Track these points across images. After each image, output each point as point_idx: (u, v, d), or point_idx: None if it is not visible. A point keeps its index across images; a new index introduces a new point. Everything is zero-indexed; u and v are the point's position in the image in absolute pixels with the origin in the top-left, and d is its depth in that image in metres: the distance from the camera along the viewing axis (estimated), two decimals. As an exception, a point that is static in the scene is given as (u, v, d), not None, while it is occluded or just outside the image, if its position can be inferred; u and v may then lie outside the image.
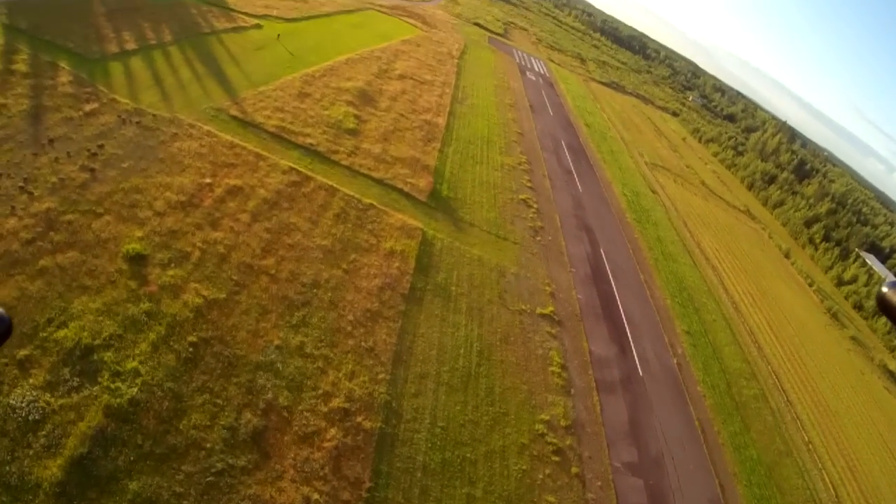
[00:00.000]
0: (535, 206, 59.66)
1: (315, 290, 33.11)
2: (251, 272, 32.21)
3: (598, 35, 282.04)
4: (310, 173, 45.18)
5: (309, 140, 50.25)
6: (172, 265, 30.19)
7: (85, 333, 24.70)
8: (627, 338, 44.44)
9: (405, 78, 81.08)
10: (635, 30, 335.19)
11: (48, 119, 39.59)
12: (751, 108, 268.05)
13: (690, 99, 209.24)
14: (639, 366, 41.86)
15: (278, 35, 77.22)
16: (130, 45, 55.86)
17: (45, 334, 24.29)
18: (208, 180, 38.54)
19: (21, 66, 43.63)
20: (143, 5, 69.79)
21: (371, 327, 32.57)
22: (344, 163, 49.42)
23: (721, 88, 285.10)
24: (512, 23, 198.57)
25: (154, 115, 44.13)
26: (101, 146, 38.30)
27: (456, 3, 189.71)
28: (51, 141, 37.42)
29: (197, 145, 42.29)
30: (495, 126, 79.03)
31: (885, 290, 2.28)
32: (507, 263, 47.14)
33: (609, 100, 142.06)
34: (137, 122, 42.49)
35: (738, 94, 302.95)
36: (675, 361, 44.26)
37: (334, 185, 45.03)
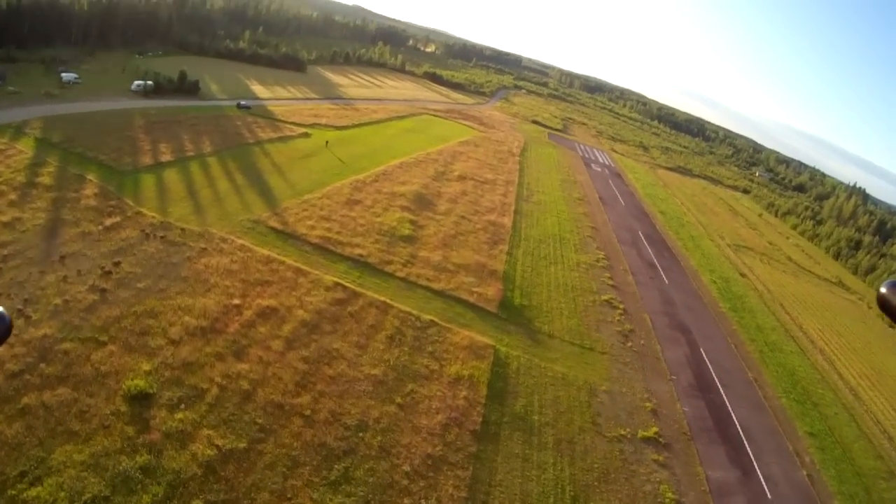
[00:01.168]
0: (620, 306, 55.72)
1: (361, 434, 29.36)
2: (281, 413, 29.23)
3: (655, 123, 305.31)
4: (358, 288, 43.68)
5: (358, 251, 49.68)
6: (182, 406, 27.74)
7: (62, 494, 21.98)
8: (748, 454, 39.16)
9: (465, 179, 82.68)
10: (690, 115, 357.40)
11: (64, 234, 40.99)
12: (818, 175, 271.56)
13: (757, 174, 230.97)
14: (766, 489, 36.14)
15: (327, 142, 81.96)
16: (166, 157, 60.06)
17: (13, 492, 21.90)
18: (236, 301, 37.48)
19: (46, 179, 46.82)
20: (186, 118, 77.01)
21: (434, 479, 27.91)
22: (399, 274, 47.96)
23: (784, 160, 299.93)
24: (570, 118, 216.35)
25: (182, 229, 45.17)
26: (117, 263, 38.73)
27: (511, 104, 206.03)
28: (62, 258, 38.25)
29: (227, 261, 42.20)
30: (566, 222, 78.03)
31: (883, 290, 2.41)
32: (597, 379, 42.20)
33: (678, 185, 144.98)
34: (162, 237, 43.37)
35: (801, 164, 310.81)
36: (804, 474, 38.99)
37: (387, 301, 43.03)
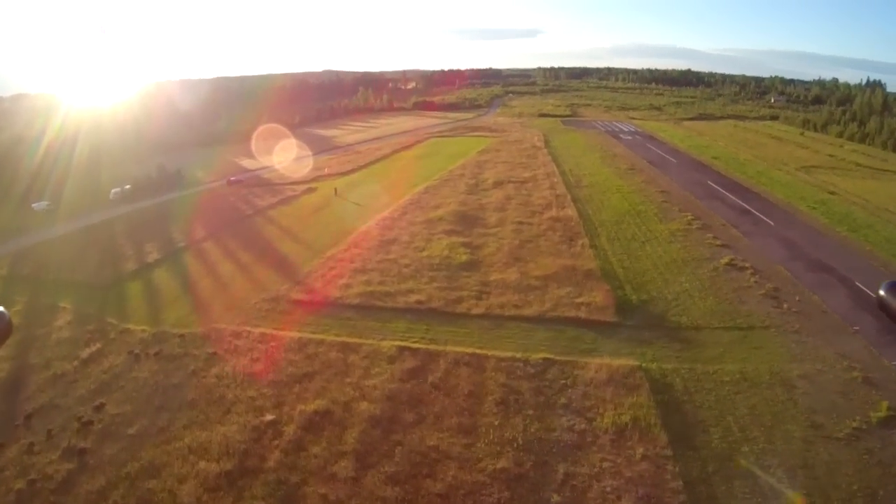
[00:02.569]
0: (745, 265, 43.38)
1: None
2: None
3: (653, 85, 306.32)
4: (431, 346, 31.68)
5: (414, 297, 37.85)
6: None
7: None
8: None
9: (502, 184, 71.04)
10: (678, 69, 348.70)
11: (30, 385, 30.08)
12: (829, 85, 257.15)
13: (773, 101, 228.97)
14: None
15: (335, 190, 71.35)
16: (153, 256, 49.65)
17: None
18: (270, 417, 25.74)
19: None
20: (172, 209, 67.29)
21: None
22: (476, 311, 35.91)
23: (788, 82, 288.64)
24: (573, 104, 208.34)
25: (181, 336, 33.94)
26: (99, 407, 27.45)
27: (511, 108, 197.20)
28: (27, 418, 27.25)
29: (246, 362, 30.67)
30: (632, 195, 65.82)
31: (882, 293, 2.57)
32: (782, 364, 29.85)
33: (710, 130, 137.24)
34: (156, 354, 32.14)
35: (802, 81, 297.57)
36: None
37: (476, 352, 30.88)
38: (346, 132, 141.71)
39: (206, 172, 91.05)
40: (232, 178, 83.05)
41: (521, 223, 54.50)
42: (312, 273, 43.16)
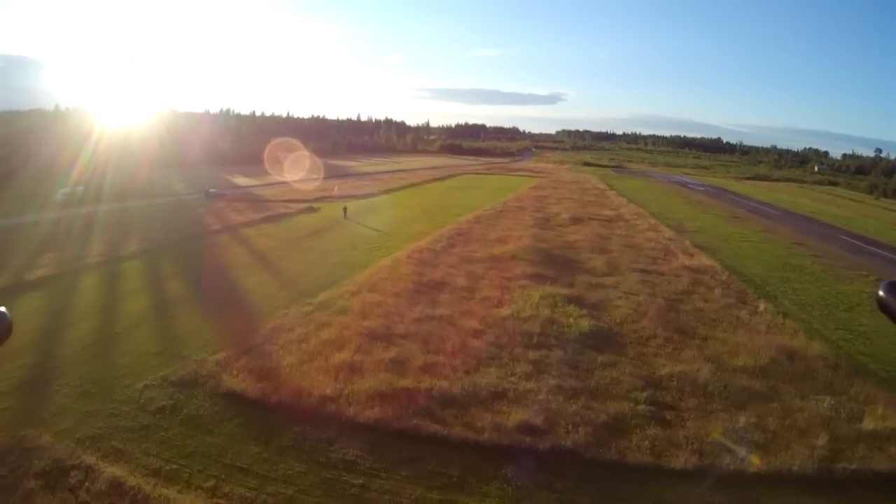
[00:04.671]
0: None
1: None
2: None
3: (686, 150, 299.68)
4: None
5: (513, 415, 16.08)
6: None
7: None
8: None
9: (581, 221, 50.35)
10: (705, 137, 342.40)
11: None
12: (867, 159, 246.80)
13: (816, 169, 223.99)
14: None
15: (345, 210, 50.70)
16: (40, 272, 29.60)
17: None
18: None
19: None
20: (114, 218, 46.96)
21: None
22: (672, 463, 14.20)
23: (823, 153, 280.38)
24: (613, 158, 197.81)
25: None
26: None
27: (546, 158, 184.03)
28: None
29: None
30: (764, 245, 46.29)
31: (881, 293, 2.45)
32: None
33: (778, 189, 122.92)
34: None
35: (828, 154, 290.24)
36: None
37: None
38: (365, 164, 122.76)
39: (187, 185, 71.02)
40: (211, 190, 63.06)
41: (644, 271, 33.15)
42: (281, 333, 21.69)
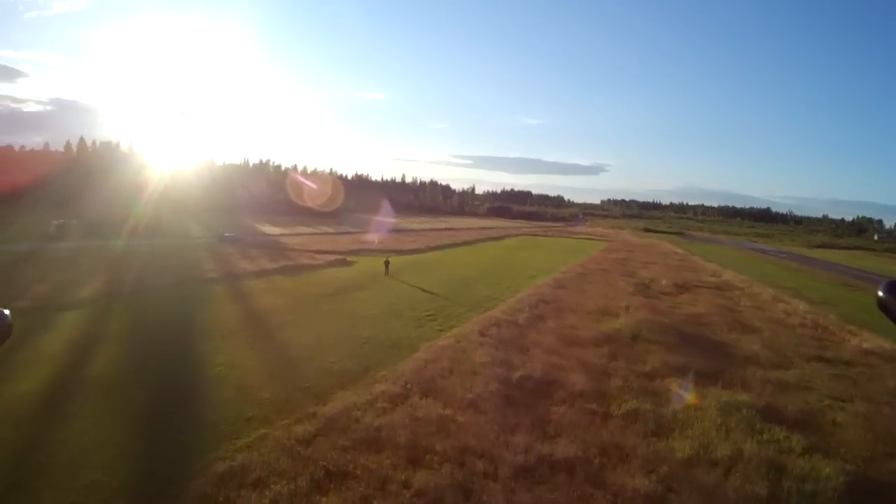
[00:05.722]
0: None
1: None
2: None
3: (738, 219, 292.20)
4: None
5: None
6: None
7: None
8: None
9: (689, 288, 38.63)
10: (753, 207, 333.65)
11: None
12: None
13: (876, 237, 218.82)
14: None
15: (387, 262, 39.26)
16: None
17: None
18: None
19: None
20: (94, 257, 36.73)
21: None
22: None
23: (878, 220, 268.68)
24: (669, 226, 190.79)
25: None
26: None
27: (598, 225, 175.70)
28: None
29: None
30: None
31: (881, 293, 2.34)
32: None
33: (856, 256, 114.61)
34: None
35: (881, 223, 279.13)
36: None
37: None
38: (410, 221, 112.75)
39: (205, 228, 61.34)
40: (226, 234, 53.06)
41: (822, 359, 21.84)
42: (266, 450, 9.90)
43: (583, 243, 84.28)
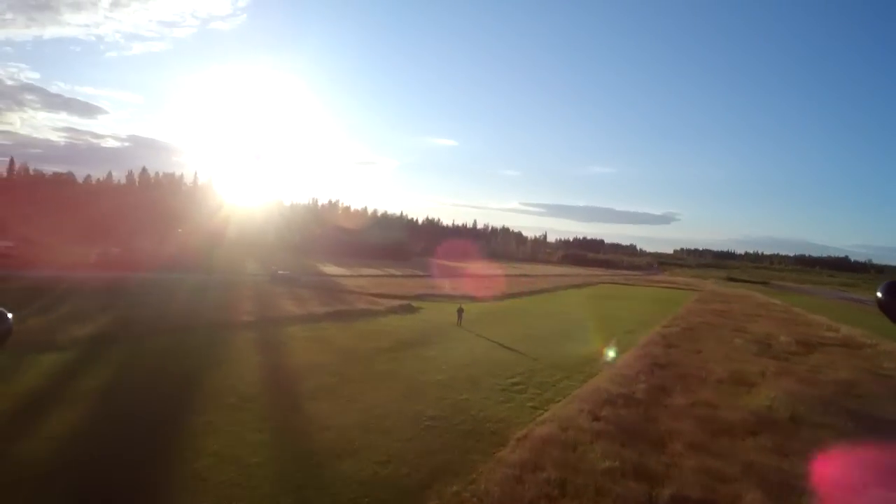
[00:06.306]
0: None
1: None
2: None
3: (818, 269, 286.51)
4: None
5: None
6: None
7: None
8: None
9: (815, 346, 30.43)
10: (836, 256, 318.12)
11: None
12: None
13: None
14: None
15: (460, 310, 32.72)
16: None
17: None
18: None
19: None
20: (106, 290, 32.41)
21: None
22: None
23: None
24: (749, 275, 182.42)
25: None
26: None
27: (676, 274, 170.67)
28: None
29: None
30: None
31: (880, 294, 2.57)
32: None
33: None
34: None
35: None
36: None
37: None
38: (482, 266, 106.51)
39: (261, 266, 57.16)
40: (279, 272, 48.48)
41: None
42: None
43: (670, 293, 76.90)
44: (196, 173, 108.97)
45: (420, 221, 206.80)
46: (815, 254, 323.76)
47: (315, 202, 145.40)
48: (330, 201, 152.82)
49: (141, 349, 19.76)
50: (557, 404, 17.50)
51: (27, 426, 12.28)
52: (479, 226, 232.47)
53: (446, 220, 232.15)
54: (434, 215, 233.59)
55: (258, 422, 13.79)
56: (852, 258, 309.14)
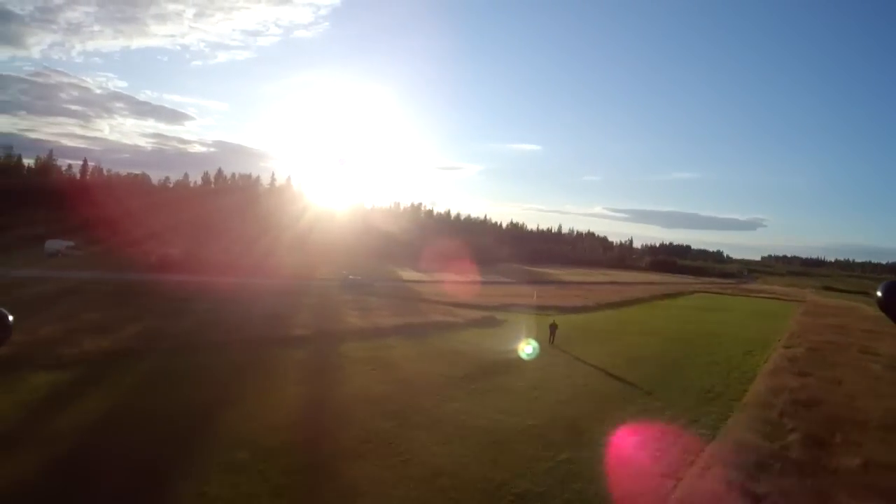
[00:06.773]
0: None
1: None
2: None
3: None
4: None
5: None
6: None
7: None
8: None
9: None
10: None
11: None
12: None
13: None
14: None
15: (552, 326, 27.54)
16: None
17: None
18: None
19: None
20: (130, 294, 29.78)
21: None
22: None
23: None
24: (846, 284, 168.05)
25: None
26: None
27: (769, 282, 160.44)
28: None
29: None
30: None
31: (880, 293, 2.83)
32: None
33: None
34: None
35: None
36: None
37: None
38: (568, 273, 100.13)
39: (335, 270, 54.16)
40: (350, 277, 45.40)
41: None
42: None
43: (771, 304, 70.22)
44: (273, 174, 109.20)
45: (504, 226, 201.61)
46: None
47: (397, 205, 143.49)
48: (412, 204, 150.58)
49: (158, 371, 16.17)
50: (691, 469, 12.34)
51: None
52: (564, 231, 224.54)
53: (531, 225, 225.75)
54: (518, 220, 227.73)
55: (269, 497, 9.55)
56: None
